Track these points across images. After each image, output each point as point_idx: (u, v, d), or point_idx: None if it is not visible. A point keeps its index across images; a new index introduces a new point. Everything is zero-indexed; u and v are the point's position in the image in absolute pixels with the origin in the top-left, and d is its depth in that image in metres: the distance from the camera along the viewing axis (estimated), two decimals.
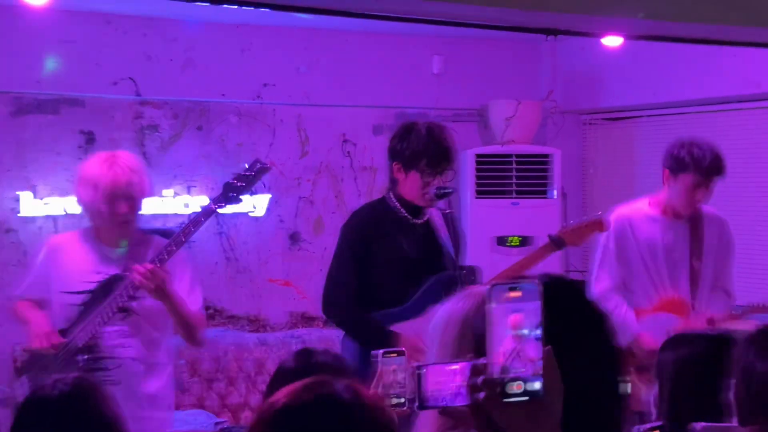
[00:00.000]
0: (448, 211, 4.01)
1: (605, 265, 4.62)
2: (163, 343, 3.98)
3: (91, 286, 3.83)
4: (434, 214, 4.14)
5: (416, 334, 3.89)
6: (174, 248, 3.77)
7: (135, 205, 3.84)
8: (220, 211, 3.90)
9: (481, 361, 1.43)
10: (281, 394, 1.57)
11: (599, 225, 4.51)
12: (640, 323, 4.50)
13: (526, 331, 1.41)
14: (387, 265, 4.08)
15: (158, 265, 3.71)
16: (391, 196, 4.14)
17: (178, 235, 3.81)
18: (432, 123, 4.12)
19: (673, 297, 4.57)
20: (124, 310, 3.80)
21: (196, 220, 3.82)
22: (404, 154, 4.04)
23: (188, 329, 3.91)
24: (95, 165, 3.80)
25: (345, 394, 1.55)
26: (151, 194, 4.05)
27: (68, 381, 2.45)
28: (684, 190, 4.43)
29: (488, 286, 1.43)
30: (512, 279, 1.47)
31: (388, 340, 3.93)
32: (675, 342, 2.83)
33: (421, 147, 4.00)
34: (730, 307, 4.60)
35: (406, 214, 4.11)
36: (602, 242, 4.64)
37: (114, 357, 3.82)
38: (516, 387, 1.40)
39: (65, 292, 3.85)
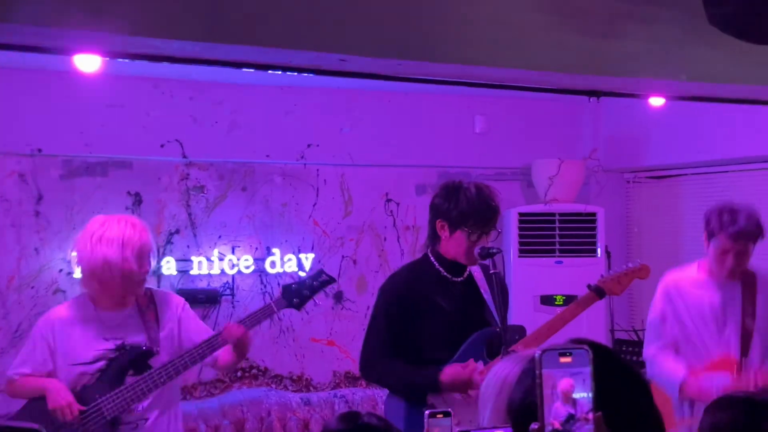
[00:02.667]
0: (493, 271, 4.00)
1: (653, 329, 4.67)
2: (174, 406, 4.04)
3: (107, 353, 3.85)
4: (475, 271, 4.14)
5: (460, 369, 3.91)
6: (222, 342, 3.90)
7: (152, 259, 3.89)
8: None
9: (533, 426, 1.43)
10: None
11: (642, 272, 4.50)
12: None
13: (577, 397, 1.41)
14: (426, 324, 4.07)
15: (248, 328, 3.88)
16: (431, 255, 4.15)
17: (245, 319, 3.93)
18: (480, 183, 4.13)
19: (722, 357, 4.54)
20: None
21: (254, 318, 3.93)
22: (451, 213, 4.04)
23: (235, 364, 4.08)
24: (115, 226, 3.80)
25: None
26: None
27: None
28: (716, 254, 4.44)
29: (539, 352, 1.44)
30: (562, 345, 1.47)
31: (427, 380, 3.94)
32: (716, 406, 2.78)
33: (470, 207, 4.00)
34: None
35: (445, 274, 4.11)
36: (652, 307, 4.69)
37: (137, 424, 3.87)
38: None
39: (75, 364, 3.84)
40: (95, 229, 3.80)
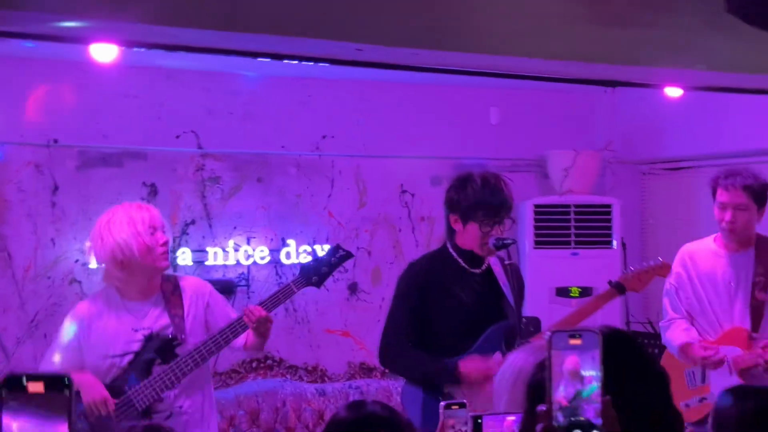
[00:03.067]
0: (508, 261, 3.99)
1: (669, 298, 4.72)
2: (207, 392, 4.05)
3: (134, 347, 3.86)
4: (494, 263, 4.14)
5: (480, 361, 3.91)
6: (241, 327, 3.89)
7: (168, 241, 3.90)
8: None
9: (540, 408, 1.43)
10: None
11: (663, 269, 4.54)
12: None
13: (585, 374, 1.41)
14: (445, 315, 4.07)
15: (267, 311, 3.88)
16: (449, 246, 4.15)
17: (266, 301, 3.94)
18: (487, 173, 4.11)
19: (733, 328, 4.58)
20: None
21: (275, 300, 3.95)
22: (461, 205, 4.04)
23: (260, 346, 4.07)
24: (120, 211, 3.85)
25: None
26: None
27: (139, 430, 2.46)
28: (717, 212, 4.51)
29: (549, 333, 1.44)
30: (573, 327, 1.48)
31: (446, 371, 3.93)
32: (739, 393, 2.76)
33: (477, 198, 4.00)
34: None
35: (464, 265, 4.11)
36: (668, 278, 4.72)
37: (170, 412, 3.88)
38: None
39: (105, 356, 3.86)
40: (103, 222, 3.85)
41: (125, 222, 3.81)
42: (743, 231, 4.50)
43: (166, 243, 3.87)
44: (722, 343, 4.55)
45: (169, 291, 3.96)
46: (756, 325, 4.52)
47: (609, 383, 1.43)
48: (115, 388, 3.83)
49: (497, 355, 3.96)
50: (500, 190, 4.03)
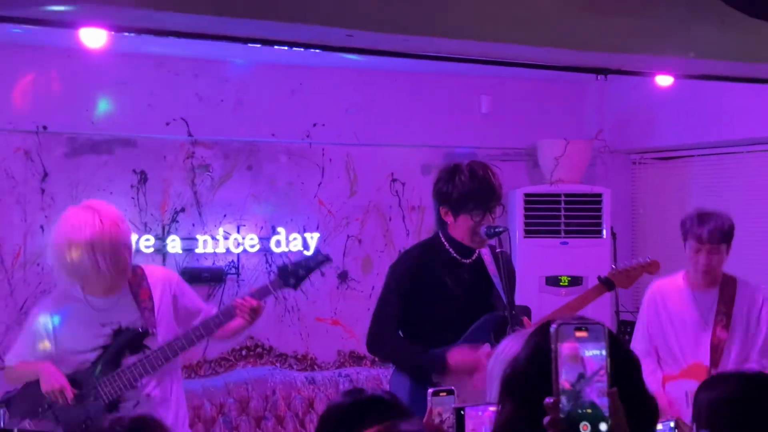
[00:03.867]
0: (499, 249, 3.98)
1: (639, 332, 4.89)
2: (176, 377, 4.06)
3: (103, 341, 3.85)
4: (484, 253, 4.13)
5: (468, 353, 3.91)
6: (223, 321, 3.89)
7: (131, 248, 3.86)
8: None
9: (548, 401, 1.42)
10: None
11: (651, 267, 4.63)
12: (665, 388, 4.73)
13: (584, 357, 1.40)
14: (434, 304, 4.07)
15: (260, 301, 3.90)
16: (441, 236, 4.14)
17: (228, 308, 3.92)
18: (474, 163, 4.08)
19: (694, 364, 4.73)
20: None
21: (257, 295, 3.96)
22: (451, 198, 4.03)
23: (239, 334, 4.06)
24: (83, 227, 3.73)
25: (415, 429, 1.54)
26: (128, 241, 3.91)
27: (125, 423, 2.44)
28: (690, 256, 4.66)
29: (555, 325, 1.43)
30: (578, 319, 1.46)
31: (435, 362, 3.93)
32: (710, 383, 2.79)
33: (466, 190, 3.98)
34: None
35: (455, 255, 4.10)
36: (641, 309, 4.93)
37: (138, 400, 3.88)
38: (583, 428, 1.39)
39: (74, 352, 3.85)
40: (65, 231, 3.76)
41: (86, 248, 3.72)
42: (716, 271, 4.69)
43: (128, 259, 3.84)
44: (684, 377, 4.71)
45: (137, 283, 3.93)
46: (716, 361, 4.68)
47: (613, 375, 1.42)
48: (83, 380, 3.83)
49: (486, 346, 3.96)
50: (489, 181, 4.01)
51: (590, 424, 1.39)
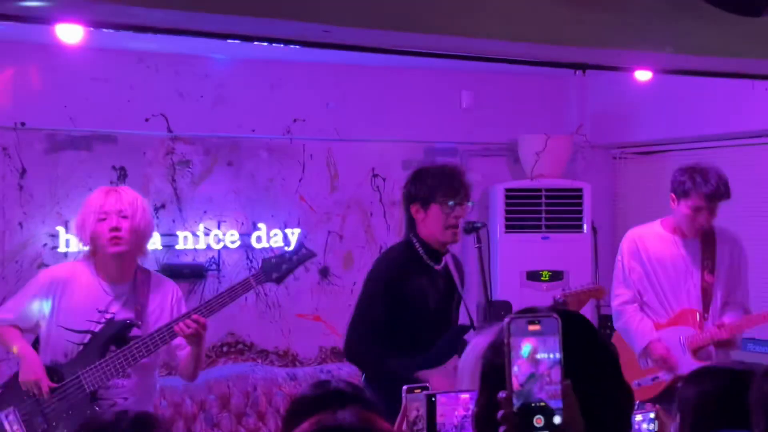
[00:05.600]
0: (477, 245, 4.00)
1: (620, 281, 4.90)
2: (153, 381, 4.08)
3: (93, 327, 3.87)
4: (447, 259, 4.17)
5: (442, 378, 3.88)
6: (205, 314, 3.86)
7: (130, 228, 3.86)
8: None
9: (501, 395, 1.43)
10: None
11: (598, 292, 4.68)
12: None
13: (539, 357, 1.41)
14: (412, 311, 4.08)
15: (204, 316, 3.83)
16: (413, 239, 4.14)
17: (210, 302, 3.90)
18: (441, 162, 4.21)
19: (684, 309, 4.80)
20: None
21: (233, 292, 3.92)
22: (420, 193, 4.07)
23: (197, 368, 4.01)
24: (99, 195, 3.92)
25: (351, 420, 1.54)
26: (150, 231, 4.03)
27: (130, 416, 2.43)
28: (687, 213, 4.68)
29: (507, 320, 1.43)
30: (530, 313, 1.47)
31: (417, 381, 3.92)
32: (698, 376, 2.80)
33: (435, 179, 4.06)
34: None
35: (427, 261, 4.12)
36: (618, 259, 4.94)
37: (115, 402, 3.88)
38: (536, 421, 1.40)
39: (66, 329, 3.87)
40: (98, 197, 3.91)
41: (83, 205, 3.92)
42: (709, 226, 4.74)
43: (115, 229, 3.85)
44: (674, 323, 4.77)
45: (141, 281, 3.96)
46: (707, 306, 4.76)
47: (569, 367, 1.43)
48: (67, 369, 3.84)
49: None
50: (457, 173, 4.12)
51: (544, 417, 1.40)
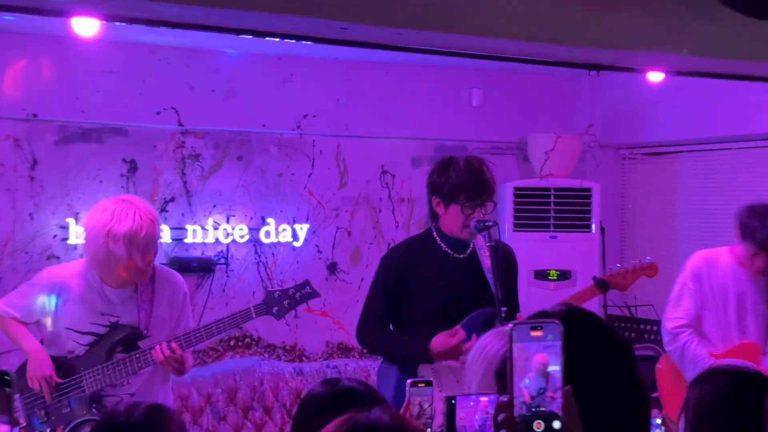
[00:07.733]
0: (489, 243, 3.98)
1: (681, 303, 4.71)
2: (163, 374, 4.03)
3: (98, 329, 3.86)
4: (480, 247, 4.12)
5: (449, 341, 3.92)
6: (204, 337, 3.86)
7: (149, 262, 3.84)
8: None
9: (502, 398, 1.44)
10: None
11: (650, 269, 4.45)
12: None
13: (551, 370, 1.42)
14: (421, 298, 4.08)
15: (182, 348, 3.80)
16: (433, 230, 4.15)
17: (210, 327, 3.88)
18: (471, 156, 4.13)
19: (745, 343, 4.65)
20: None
21: (233, 320, 3.90)
22: (443, 188, 4.04)
23: (181, 374, 3.98)
24: (124, 220, 3.73)
25: (383, 419, 1.55)
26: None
27: (142, 409, 2.44)
28: (747, 256, 4.53)
29: (510, 326, 1.44)
30: (534, 318, 1.48)
31: (420, 350, 3.96)
32: (705, 376, 2.80)
33: (460, 181, 4.00)
34: None
35: (446, 249, 4.11)
36: (680, 280, 4.74)
37: (119, 397, 3.87)
38: (536, 426, 1.41)
39: (72, 330, 3.86)
40: (106, 220, 3.73)
41: (124, 240, 3.71)
42: None
43: (152, 262, 3.84)
44: (732, 356, 4.58)
45: (145, 282, 3.93)
46: (766, 340, 4.61)
47: (571, 365, 1.44)
48: (71, 367, 3.85)
49: (474, 340, 3.96)
50: (483, 173, 4.03)
51: (544, 422, 1.41)
